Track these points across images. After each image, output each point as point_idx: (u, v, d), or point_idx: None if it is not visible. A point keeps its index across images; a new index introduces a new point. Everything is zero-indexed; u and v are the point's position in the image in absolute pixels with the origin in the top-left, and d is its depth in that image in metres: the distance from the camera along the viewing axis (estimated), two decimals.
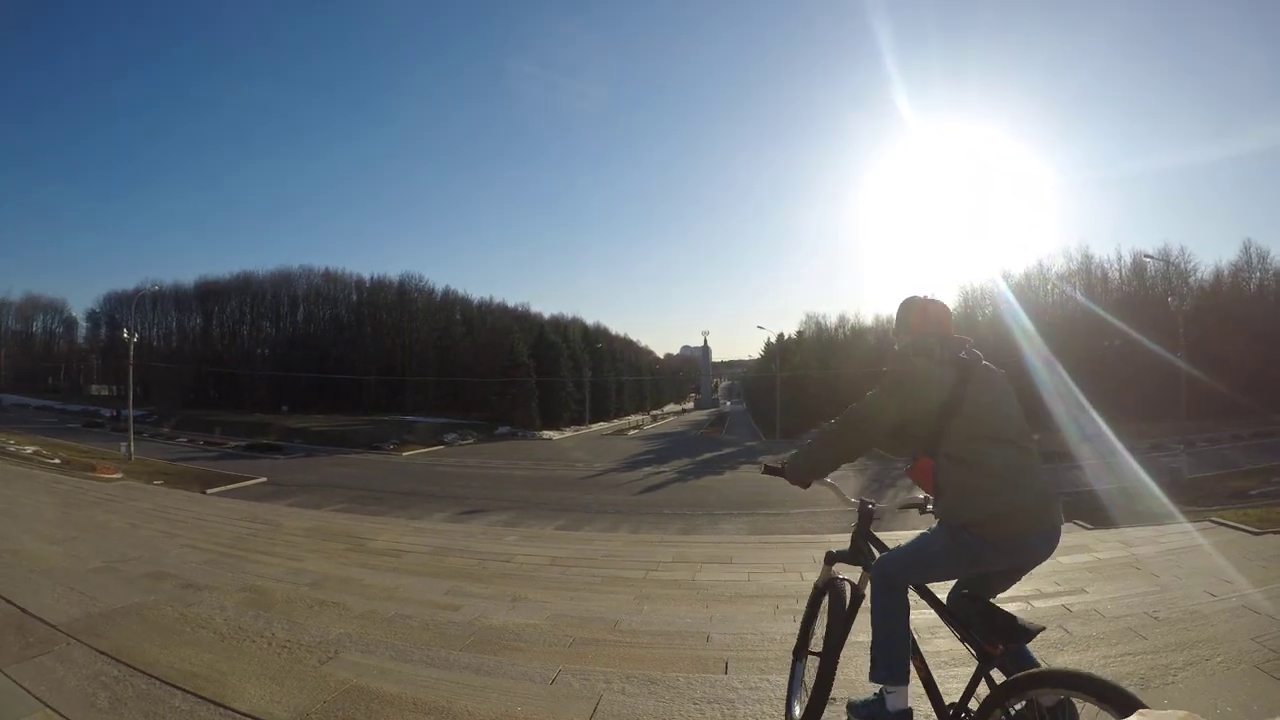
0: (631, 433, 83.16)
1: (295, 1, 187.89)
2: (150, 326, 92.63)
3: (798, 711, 3.46)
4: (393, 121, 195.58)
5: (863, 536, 3.46)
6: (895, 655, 2.81)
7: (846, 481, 38.80)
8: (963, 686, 2.71)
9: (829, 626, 3.25)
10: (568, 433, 76.48)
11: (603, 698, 4.45)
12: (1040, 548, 2.77)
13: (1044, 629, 2.74)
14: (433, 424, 67.33)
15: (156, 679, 4.27)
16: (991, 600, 2.89)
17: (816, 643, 3.42)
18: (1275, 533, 11.08)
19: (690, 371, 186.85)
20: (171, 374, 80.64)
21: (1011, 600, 4.64)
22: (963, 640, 2.77)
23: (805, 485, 3.46)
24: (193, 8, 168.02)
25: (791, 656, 3.77)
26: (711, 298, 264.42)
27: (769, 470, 3.64)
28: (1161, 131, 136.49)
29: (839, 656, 3.16)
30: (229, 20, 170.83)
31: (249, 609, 6.37)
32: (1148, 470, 33.58)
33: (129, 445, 40.30)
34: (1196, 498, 26.89)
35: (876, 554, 3.33)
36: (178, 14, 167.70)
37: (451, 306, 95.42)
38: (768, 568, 10.82)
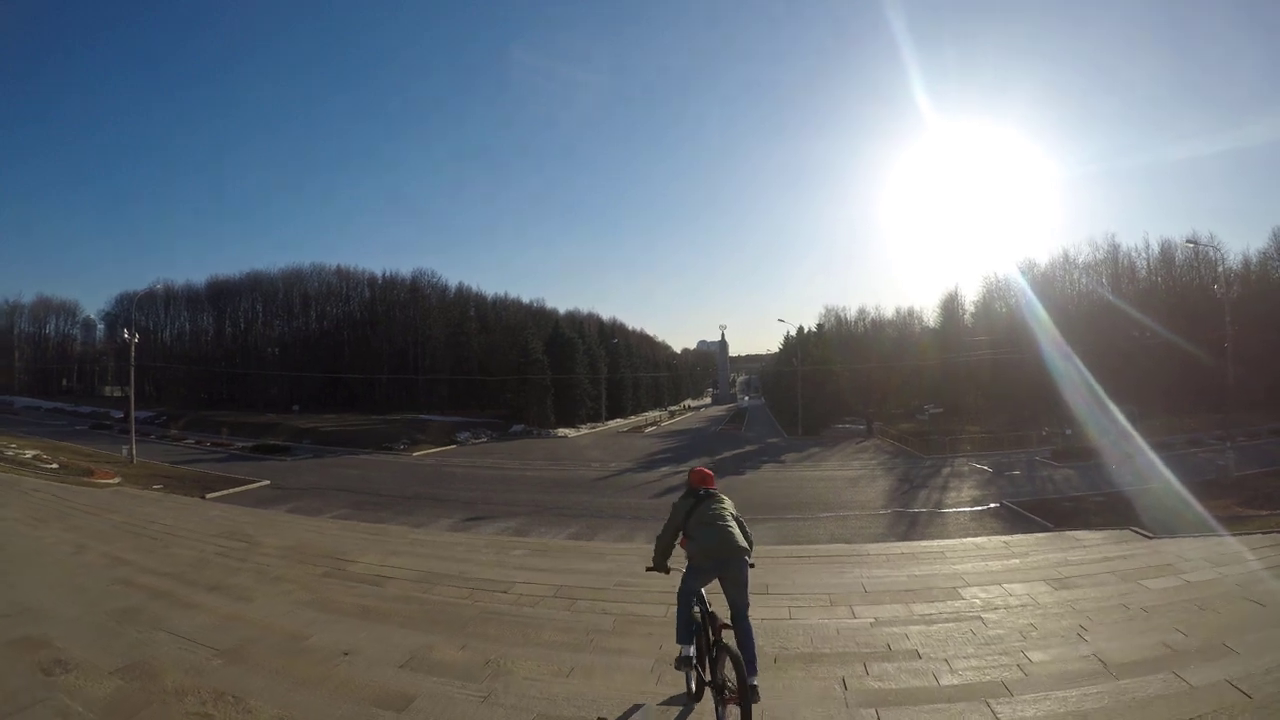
0: (649, 430, 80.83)
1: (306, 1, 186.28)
2: (163, 327, 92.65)
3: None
4: (407, 120, 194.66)
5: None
6: (684, 623, 5.29)
7: (875, 482, 37.13)
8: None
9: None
10: (583, 430, 74.72)
11: None
12: (725, 566, 5.28)
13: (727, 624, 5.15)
14: (445, 423, 65.71)
15: None
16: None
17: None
18: None
19: (708, 366, 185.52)
20: (182, 374, 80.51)
21: None
22: (701, 615, 5.39)
23: (666, 572, 5.76)
24: (201, 6, 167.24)
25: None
26: (729, 292, 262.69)
27: (650, 570, 5.85)
28: (1181, 121, 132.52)
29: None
30: (240, 20, 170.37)
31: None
32: (1188, 468, 31.50)
33: (131, 448, 39.23)
34: (1250, 498, 24.66)
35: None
36: (187, 14, 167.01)
37: (465, 303, 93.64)
38: (811, 599, 9.11)
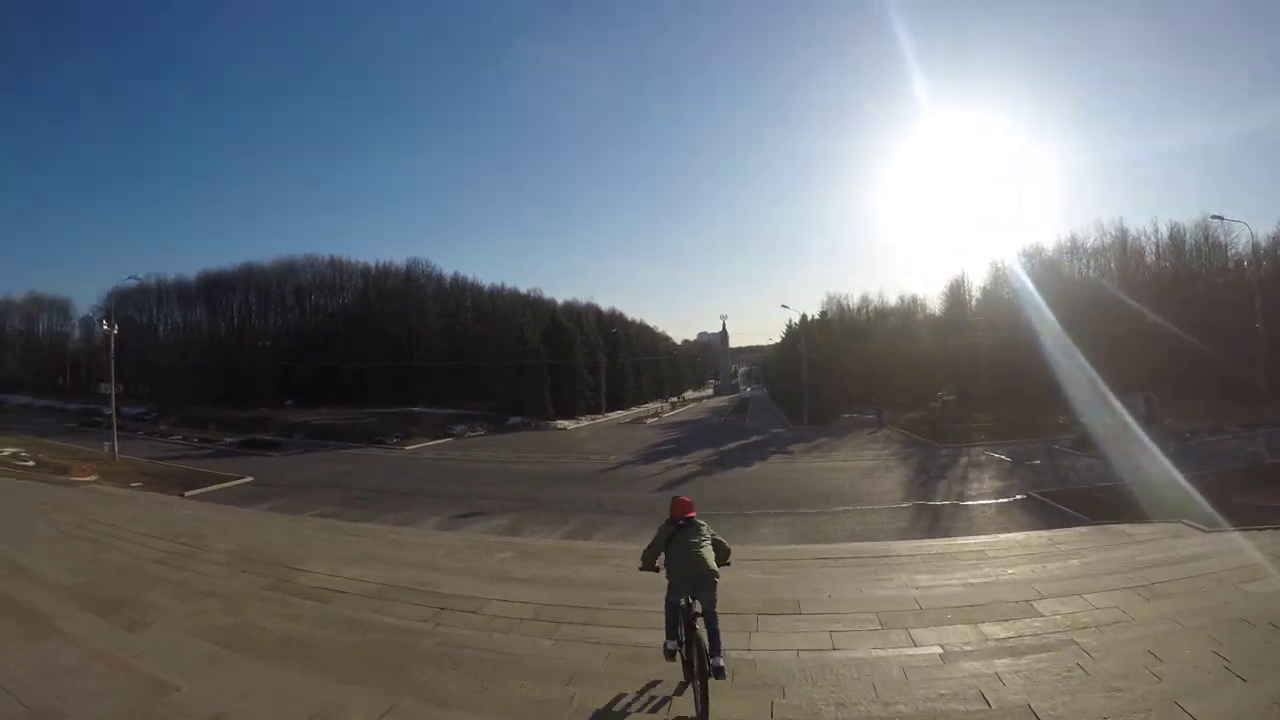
0: (650, 421, 78.72)
1: None
2: (157, 322, 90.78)
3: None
4: (398, 107, 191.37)
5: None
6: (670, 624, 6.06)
7: (891, 473, 35.39)
8: None
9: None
10: (583, 422, 72.47)
11: None
12: (697, 585, 5.88)
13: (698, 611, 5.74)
14: (440, 415, 63.63)
15: None
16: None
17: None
18: None
19: (708, 357, 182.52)
20: (174, 370, 78.77)
21: None
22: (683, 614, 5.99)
23: (656, 570, 6.41)
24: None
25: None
26: (727, 283, 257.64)
27: (642, 569, 6.62)
28: (1185, 106, 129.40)
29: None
30: (233, 9, 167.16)
31: None
32: (1216, 455, 29.68)
33: (113, 444, 37.41)
34: None
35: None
36: (176, 8, 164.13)
37: (461, 293, 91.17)
38: (855, 619, 7.41)
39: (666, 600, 6.13)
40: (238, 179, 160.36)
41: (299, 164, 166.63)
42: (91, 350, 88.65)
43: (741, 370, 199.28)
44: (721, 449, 47.09)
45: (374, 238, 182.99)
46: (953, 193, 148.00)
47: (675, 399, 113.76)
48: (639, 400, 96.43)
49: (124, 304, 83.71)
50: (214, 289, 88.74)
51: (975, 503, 26.95)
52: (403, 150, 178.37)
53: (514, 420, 67.69)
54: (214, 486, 30.30)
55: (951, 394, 58.78)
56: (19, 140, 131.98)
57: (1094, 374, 42.83)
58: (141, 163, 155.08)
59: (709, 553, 6.06)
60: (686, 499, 6.48)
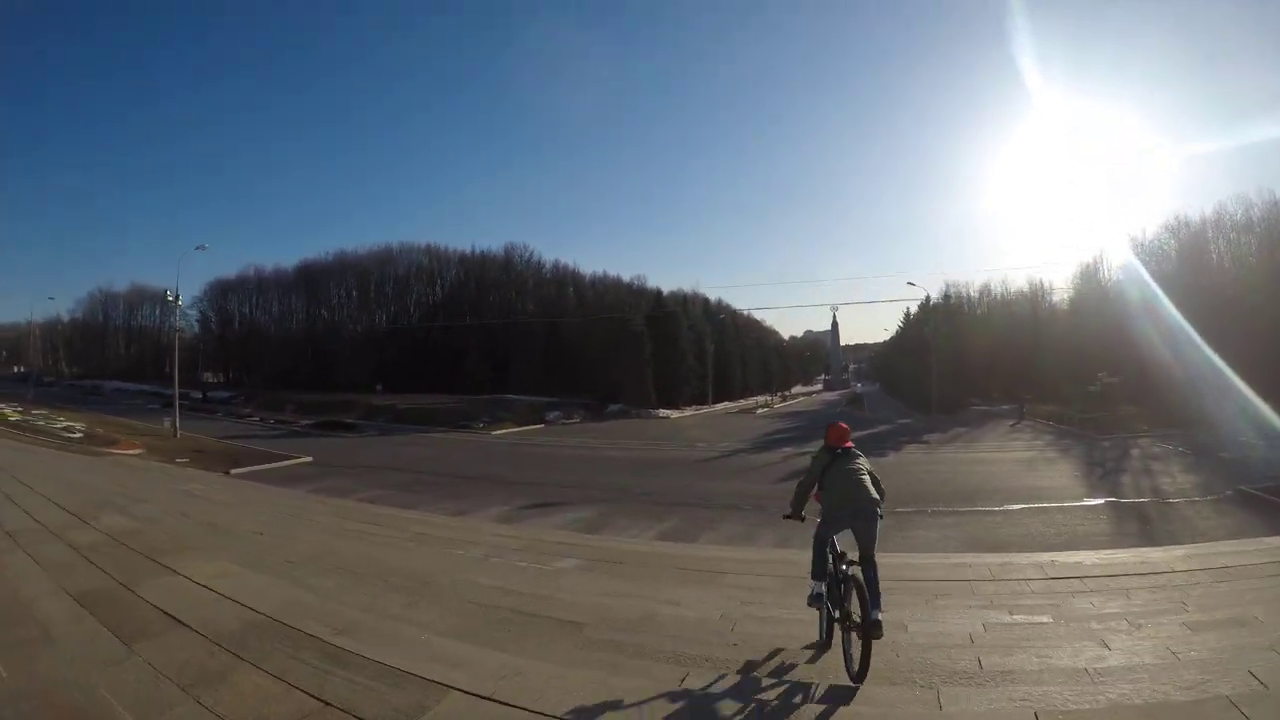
0: (760, 411, 73.76)
1: None
2: (256, 311, 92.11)
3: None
4: (515, 100, 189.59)
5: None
6: (818, 561, 5.79)
7: (1055, 465, 28.99)
8: None
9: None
10: (687, 412, 67.69)
11: None
12: (856, 515, 5.61)
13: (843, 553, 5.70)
14: (534, 402, 60.11)
15: None
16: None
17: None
18: None
19: (816, 353, 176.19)
20: (268, 356, 79.69)
21: None
22: (832, 555, 5.75)
23: (801, 519, 6.13)
24: None
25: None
26: (833, 284, 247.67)
27: (787, 517, 6.26)
28: None
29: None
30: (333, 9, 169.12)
31: None
32: None
33: (174, 421, 36.12)
34: None
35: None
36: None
37: (563, 280, 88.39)
38: None
39: (816, 535, 5.82)
40: (334, 171, 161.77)
41: (403, 154, 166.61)
42: (197, 340, 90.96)
43: (851, 367, 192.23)
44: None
45: (473, 226, 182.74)
46: (1075, 175, 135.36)
47: (784, 393, 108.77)
48: (747, 393, 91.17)
49: (224, 295, 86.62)
50: (311, 278, 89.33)
51: (1179, 500, 21.08)
52: (512, 141, 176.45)
53: (614, 408, 63.82)
54: (265, 465, 27.56)
55: (1113, 376, 51.31)
56: (121, 136, 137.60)
57: (1229, 373, 38.69)
58: (240, 158, 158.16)
59: (869, 480, 5.70)
60: (844, 425, 6.14)
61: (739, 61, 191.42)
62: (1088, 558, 10.11)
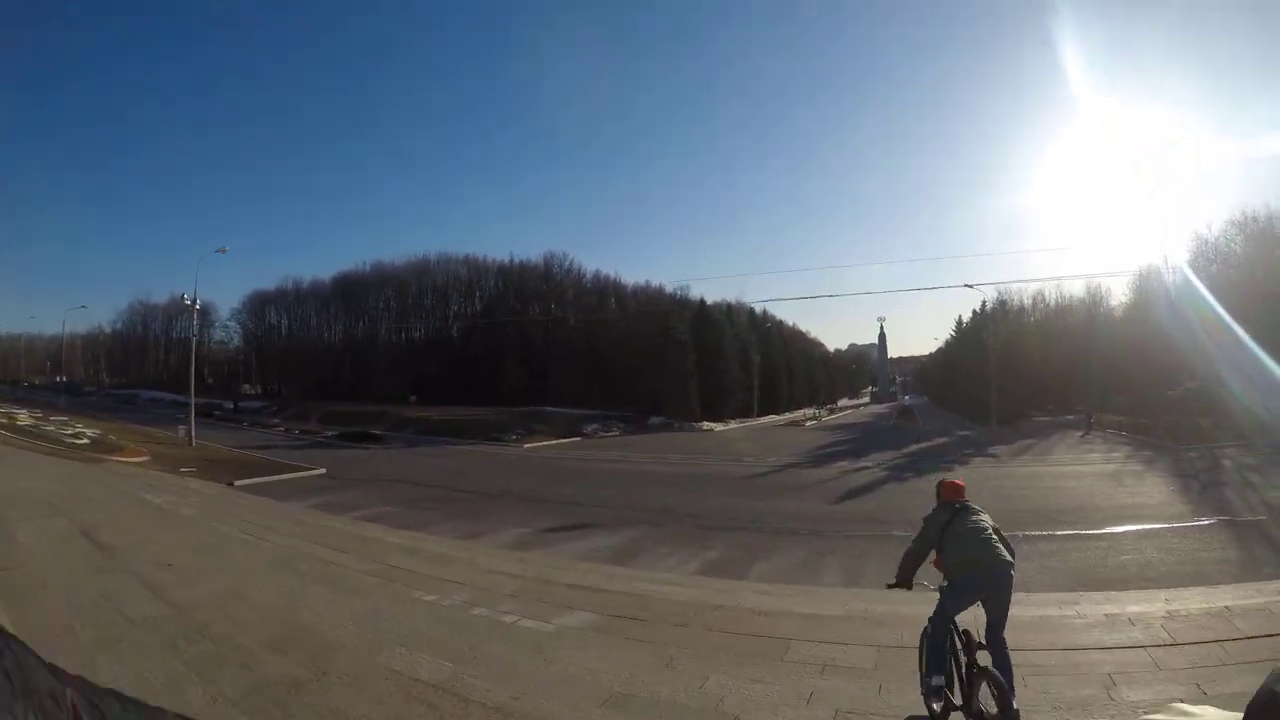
0: (809, 424, 71.43)
1: None
2: (294, 323, 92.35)
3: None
4: (560, 113, 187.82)
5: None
6: (937, 653, 4.82)
7: (1143, 480, 25.82)
8: None
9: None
10: (732, 425, 65.27)
11: None
12: (988, 582, 4.69)
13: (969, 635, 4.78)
14: (572, 414, 58.41)
15: None
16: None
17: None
18: None
19: (862, 366, 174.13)
20: (303, 368, 79.62)
21: None
22: (954, 637, 4.84)
23: (909, 587, 5.24)
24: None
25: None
26: (881, 296, 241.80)
27: (892, 586, 5.36)
28: None
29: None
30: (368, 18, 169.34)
31: None
32: None
33: (189, 430, 35.63)
34: None
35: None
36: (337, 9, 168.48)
37: (604, 290, 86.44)
38: None
39: (937, 617, 4.77)
40: (370, 184, 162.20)
41: (439, 169, 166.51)
42: (234, 352, 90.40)
43: (897, 379, 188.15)
44: (904, 451, 38.73)
45: (510, 237, 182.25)
46: (1134, 175, 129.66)
47: (831, 405, 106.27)
48: (793, 405, 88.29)
49: (263, 307, 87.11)
50: (349, 290, 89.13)
51: None
52: (556, 154, 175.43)
53: (655, 420, 61.42)
54: (273, 477, 26.02)
55: (1197, 381, 47.82)
56: (168, 151, 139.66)
57: None
58: (280, 169, 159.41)
59: (999, 540, 4.77)
60: (958, 481, 5.36)
61: (782, 67, 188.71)
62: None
